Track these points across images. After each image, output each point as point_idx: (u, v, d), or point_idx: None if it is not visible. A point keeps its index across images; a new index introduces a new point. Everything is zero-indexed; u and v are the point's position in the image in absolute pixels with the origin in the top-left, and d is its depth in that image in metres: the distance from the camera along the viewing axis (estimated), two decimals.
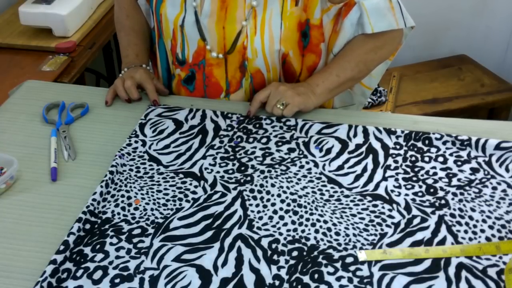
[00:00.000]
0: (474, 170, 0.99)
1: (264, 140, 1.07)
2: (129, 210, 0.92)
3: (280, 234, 0.88)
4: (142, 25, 1.30)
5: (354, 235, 0.88)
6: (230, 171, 1.00)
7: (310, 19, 1.14)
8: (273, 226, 0.89)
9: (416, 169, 1.00)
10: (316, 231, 0.88)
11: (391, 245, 0.86)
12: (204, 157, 1.03)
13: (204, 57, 1.17)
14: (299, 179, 0.98)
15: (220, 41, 1.14)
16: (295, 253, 0.84)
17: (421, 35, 2.26)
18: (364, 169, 1.00)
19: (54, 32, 1.63)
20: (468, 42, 2.44)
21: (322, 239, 0.87)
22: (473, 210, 0.91)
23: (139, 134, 1.09)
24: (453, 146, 1.04)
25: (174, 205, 0.93)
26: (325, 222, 0.90)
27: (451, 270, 0.81)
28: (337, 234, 0.88)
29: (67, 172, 1.01)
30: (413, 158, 1.02)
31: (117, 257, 0.84)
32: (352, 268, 0.82)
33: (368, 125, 1.10)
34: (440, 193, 0.95)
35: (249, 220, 0.90)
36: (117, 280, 0.80)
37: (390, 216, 0.91)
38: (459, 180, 0.97)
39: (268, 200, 0.94)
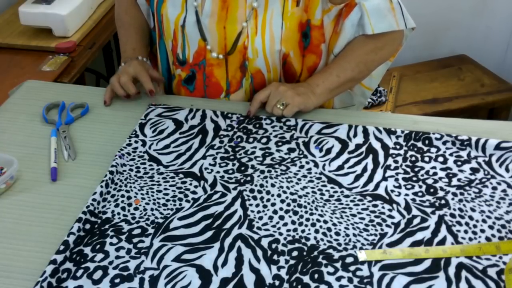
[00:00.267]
0: (474, 170, 0.99)
1: (264, 140, 1.07)
2: (129, 210, 0.92)
3: (280, 234, 0.88)
4: (141, 21, 1.30)
5: (354, 235, 0.88)
6: (230, 171, 1.00)
7: (311, 20, 1.14)
8: (273, 226, 0.89)
9: (416, 169, 1.00)
10: (316, 231, 0.88)
11: (391, 245, 0.86)
12: (204, 157, 1.03)
13: (204, 57, 1.17)
14: (299, 179, 0.98)
15: (221, 41, 1.14)
16: (295, 253, 0.84)
17: (421, 35, 2.26)
18: (364, 169, 1.00)
19: (54, 32, 1.63)
20: (468, 42, 2.44)
21: (322, 239, 0.87)
22: (473, 210, 0.91)
23: (139, 134, 1.09)
24: (453, 146, 1.04)
25: (174, 205, 0.93)
26: (325, 222, 0.90)
27: (451, 270, 0.81)
28: (337, 234, 0.88)
29: (67, 172, 1.01)
30: (413, 158, 1.02)
31: (117, 257, 0.84)
32: (352, 268, 0.82)
33: (368, 125, 1.10)
34: (440, 193, 0.95)
35: (249, 220, 0.90)
36: (117, 280, 0.80)
37: (390, 216, 0.91)
38: (459, 180, 0.98)
39: (268, 200, 0.94)
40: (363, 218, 0.90)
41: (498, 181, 0.97)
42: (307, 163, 1.02)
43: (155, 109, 1.16)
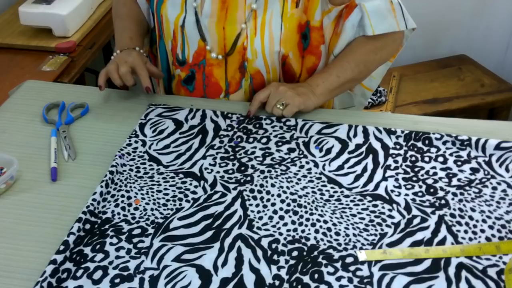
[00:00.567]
0: (474, 170, 0.99)
1: (264, 140, 1.07)
2: (129, 210, 0.92)
3: (280, 234, 0.88)
4: (138, 13, 1.28)
5: (354, 235, 0.88)
6: (230, 171, 1.00)
7: (310, 21, 1.14)
8: (273, 226, 0.89)
9: (416, 169, 1.00)
10: (316, 231, 0.88)
11: (391, 245, 0.86)
12: (204, 157, 1.03)
13: (204, 57, 1.17)
14: (299, 179, 0.98)
15: (220, 41, 1.14)
16: (295, 253, 0.84)
17: (421, 35, 2.26)
18: (364, 169, 1.00)
19: (54, 32, 1.63)
20: (468, 42, 2.44)
21: (322, 239, 0.87)
22: (473, 210, 0.91)
23: (139, 134, 1.09)
24: (453, 146, 1.04)
25: (174, 205, 0.93)
26: (325, 222, 0.90)
27: (451, 270, 0.81)
28: (337, 234, 0.88)
29: (67, 172, 1.01)
30: (413, 158, 1.02)
31: (117, 257, 0.84)
32: (352, 268, 0.82)
33: (368, 125, 1.10)
34: (440, 193, 0.95)
35: (249, 220, 0.90)
36: (117, 280, 0.80)
37: (390, 216, 0.91)
38: (459, 180, 0.98)
39: (268, 200, 0.94)
40: (363, 218, 0.90)
41: (498, 181, 0.97)
42: (307, 163, 1.02)
43: (155, 109, 1.16)
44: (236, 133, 1.09)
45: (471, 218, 0.90)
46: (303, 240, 0.87)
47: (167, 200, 0.94)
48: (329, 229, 0.89)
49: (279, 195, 0.95)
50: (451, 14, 2.39)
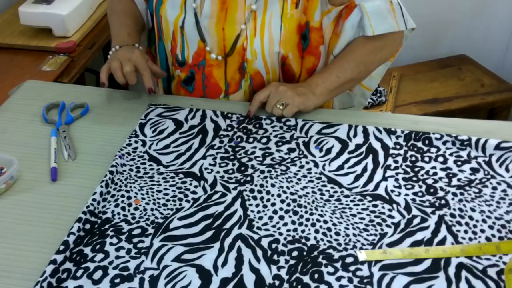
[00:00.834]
0: (474, 170, 0.99)
1: (264, 140, 1.07)
2: (129, 210, 0.92)
3: (280, 234, 0.88)
4: (135, 10, 1.28)
5: (354, 235, 0.88)
6: (230, 171, 1.00)
7: (310, 22, 1.14)
8: (273, 226, 0.89)
9: (416, 169, 1.00)
10: (316, 231, 0.88)
11: (391, 245, 0.86)
12: (204, 157, 1.03)
13: (204, 58, 1.17)
14: (299, 179, 0.98)
15: (220, 42, 1.14)
16: (295, 253, 0.84)
17: (421, 35, 2.26)
18: (364, 169, 1.00)
19: (54, 32, 1.63)
20: (468, 42, 2.44)
21: (322, 239, 0.87)
22: (473, 210, 0.91)
23: (139, 134, 1.09)
24: (453, 146, 1.04)
25: (174, 205, 0.93)
26: (325, 222, 0.90)
27: (451, 270, 0.81)
28: (337, 234, 0.88)
29: (67, 172, 1.01)
30: (413, 158, 1.02)
31: (117, 257, 0.84)
32: (352, 268, 0.82)
33: (368, 125, 1.10)
34: (440, 193, 0.95)
35: (249, 220, 0.90)
36: (117, 280, 0.80)
37: (390, 216, 0.91)
38: (459, 180, 0.98)
39: (268, 200, 0.94)
40: (363, 218, 0.91)
41: (498, 181, 0.97)
42: (307, 163, 1.02)
43: (155, 109, 1.16)
44: (236, 133, 1.09)
45: (471, 218, 0.90)
46: (303, 240, 0.87)
47: (167, 200, 0.94)
48: (329, 229, 0.89)
49: (279, 195, 0.95)
50: (451, 14, 2.39)
